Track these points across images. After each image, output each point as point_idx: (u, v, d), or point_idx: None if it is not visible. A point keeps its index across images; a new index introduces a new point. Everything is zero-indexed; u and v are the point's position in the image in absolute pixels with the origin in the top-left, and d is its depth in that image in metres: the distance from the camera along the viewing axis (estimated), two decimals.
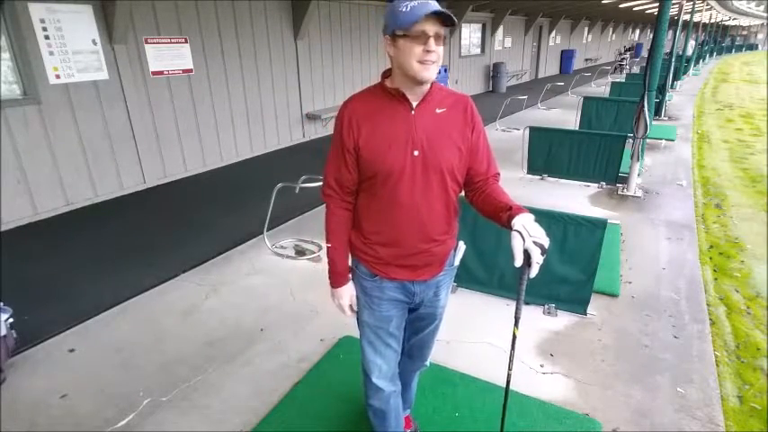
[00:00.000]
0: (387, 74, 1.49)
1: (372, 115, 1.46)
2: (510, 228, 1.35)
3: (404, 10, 1.31)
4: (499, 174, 1.62)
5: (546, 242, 1.30)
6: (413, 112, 1.44)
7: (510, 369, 1.57)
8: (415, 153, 1.44)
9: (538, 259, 1.29)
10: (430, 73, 1.36)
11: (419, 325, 1.80)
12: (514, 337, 1.51)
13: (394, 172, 1.44)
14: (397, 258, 1.55)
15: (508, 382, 1.60)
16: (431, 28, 1.32)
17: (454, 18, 1.33)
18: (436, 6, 1.31)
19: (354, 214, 1.61)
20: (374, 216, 1.54)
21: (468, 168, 1.55)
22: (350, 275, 1.68)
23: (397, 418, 1.88)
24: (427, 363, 1.94)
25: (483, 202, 1.54)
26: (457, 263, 1.69)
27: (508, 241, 1.33)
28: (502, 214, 1.42)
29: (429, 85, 1.45)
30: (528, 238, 1.29)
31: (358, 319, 1.74)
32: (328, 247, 1.63)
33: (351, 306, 1.69)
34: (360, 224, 1.59)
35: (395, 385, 1.79)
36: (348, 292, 1.68)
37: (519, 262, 1.31)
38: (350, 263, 1.66)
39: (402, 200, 1.47)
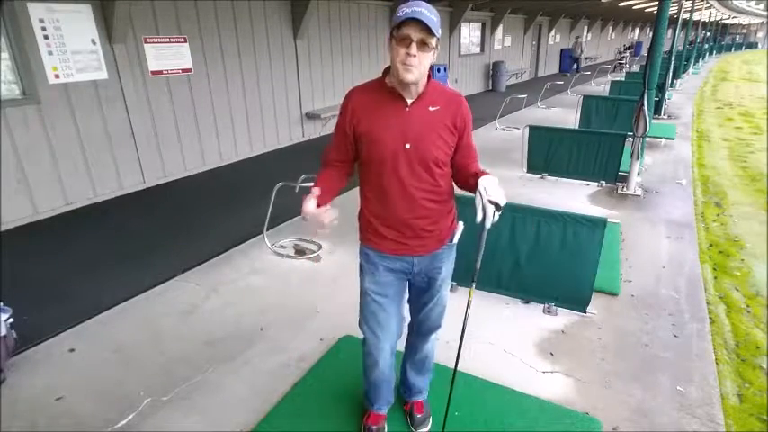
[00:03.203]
0: (388, 70, 1.60)
1: (372, 108, 1.61)
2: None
3: (399, 14, 1.43)
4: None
5: (501, 201, 1.48)
6: (408, 109, 1.57)
7: (464, 329, 1.70)
8: (407, 146, 1.58)
9: (490, 215, 1.48)
10: (412, 75, 1.48)
11: (421, 301, 1.91)
12: (469, 299, 1.69)
13: (387, 162, 1.60)
14: (395, 237, 1.72)
15: (461, 343, 1.75)
16: (415, 34, 1.43)
17: (432, 28, 1.42)
18: (422, 14, 1.40)
19: (359, 199, 1.76)
20: (373, 201, 1.71)
21: (453, 160, 1.70)
22: (320, 197, 1.59)
23: (389, 380, 2.04)
24: (435, 335, 2.03)
25: (458, 177, 1.73)
26: (455, 241, 1.82)
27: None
28: (471, 180, 1.60)
29: (424, 85, 1.57)
30: (485, 196, 1.48)
31: (361, 288, 1.86)
32: (311, 186, 1.63)
33: (315, 210, 1.57)
34: (362, 207, 1.77)
35: (391, 341, 1.90)
36: (313, 195, 1.58)
37: (479, 217, 1.49)
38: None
39: (394, 188, 1.63)
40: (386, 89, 1.59)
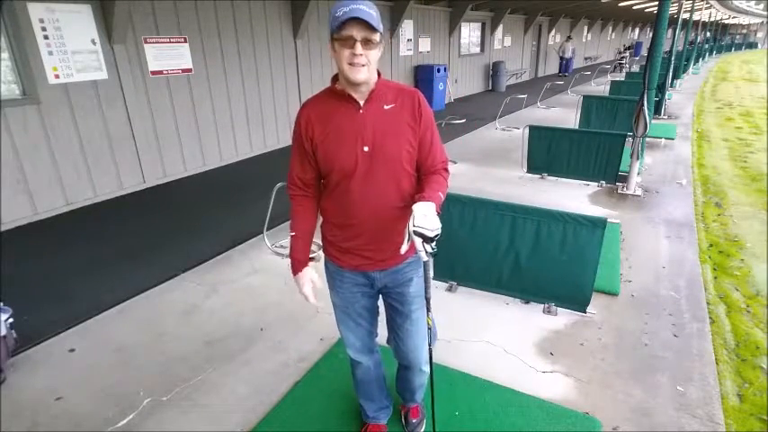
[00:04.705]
0: (336, 77, 1.55)
1: (325, 117, 1.54)
2: None
3: (337, 15, 1.38)
4: (446, 165, 1.65)
5: (431, 232, 1.34)
6: (361, 111, 1.52)
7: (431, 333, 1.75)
8: (365, 149, 1.51)
9: (419, 247, 1.36)
10: (361, 75, 1.43)
11: (397, 322, 1.83)
12: (428, 327, 1.70)
13: (346, 169, 1.53)
14: (355, 249, 1.66)
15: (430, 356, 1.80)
16: (358, 33, 1.39)
17: (374, 25, 1.38)
18: (361, 12, 1.36)
19: (321, 209, 1.73)
20: (334, 211, 1.65)
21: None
22: (309, 263, 1.77)
23: (380, 387, 2.07)
24: (425, 368, 1.93)
25: (418, 183, 1.63)
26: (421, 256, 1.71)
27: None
28: (416, 197, 1.52)
29: (373, 84, 1.51)
30: (411, 227, 1.36)
31: (332, 300, 1.86)
32: (291, 236, 1.75)
33: (312, 289, 1.76)
34: (324, 218, 1.72)
35: (372, 358, 1.95)
36: (307, 276, 1.75)
37: (403, 248, 1.38)
38: (312, 250, 1.81)
39: (355, 195, 1.56)
40: (336, 95, 1.53)
